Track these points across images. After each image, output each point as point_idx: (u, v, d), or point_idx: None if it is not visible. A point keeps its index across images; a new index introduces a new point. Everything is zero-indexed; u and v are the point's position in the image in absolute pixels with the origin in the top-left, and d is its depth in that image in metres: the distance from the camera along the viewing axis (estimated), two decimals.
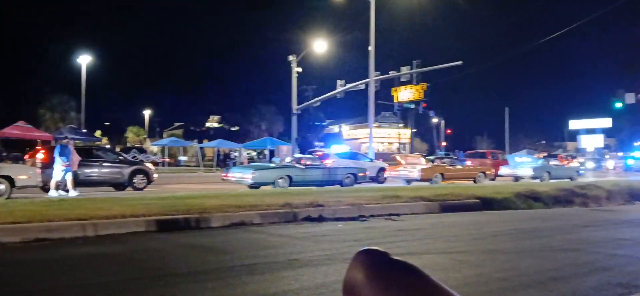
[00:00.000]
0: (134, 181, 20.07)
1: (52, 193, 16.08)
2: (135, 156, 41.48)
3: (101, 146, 45.03)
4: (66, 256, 7.19)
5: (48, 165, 18.52)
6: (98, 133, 69.18)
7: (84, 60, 51.27)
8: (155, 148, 63.03)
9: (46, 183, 18.40)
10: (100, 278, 5.98)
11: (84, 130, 47.54)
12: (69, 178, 16.70)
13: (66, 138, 18.80)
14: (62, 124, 57.92)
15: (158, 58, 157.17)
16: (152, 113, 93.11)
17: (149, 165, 22.29)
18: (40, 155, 18.76)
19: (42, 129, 48.31)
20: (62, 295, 5.38)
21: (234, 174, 21.88)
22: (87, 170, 19.31)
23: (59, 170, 16.61)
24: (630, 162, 56.26)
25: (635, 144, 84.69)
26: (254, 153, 58.17)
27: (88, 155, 20.20)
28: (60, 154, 16.74)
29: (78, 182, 18.83)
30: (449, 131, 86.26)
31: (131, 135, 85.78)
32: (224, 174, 22.83)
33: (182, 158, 60.73)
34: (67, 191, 16.43)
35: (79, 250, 7.63)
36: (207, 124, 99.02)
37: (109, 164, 20.13)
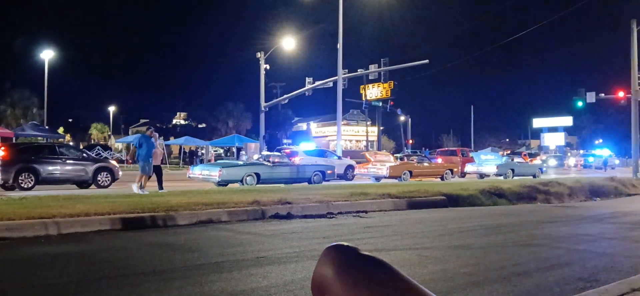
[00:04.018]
0: (98, 179, 19.70)
1: (134, 187, 15.40)
2: (99, 153, 40.73)
3: (64, 143, 44.12)
4: (28, 256, 7.01)
5: (9, 162, 18.03)
6: (61, 130, 67.77)
7: (47, 55, 50.10)
8: (119, 145, 61.98)
9: (6, 181, 17.94)
10: (63, 278, 5.84)
11: (47, 127, 46.50)
12: (145, 174, 15.84)
13: (149, 128, 17.25)
14: (24, 120, 56.53)
15: (123, 54, 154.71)
16: (117, 109, 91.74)
17: (114, 163, 21.89)
18: (0, 153, 18.25)
19: (3, 126, 47.04)
20: (23, 295, 5.24)
21: (201, 172, 21.65)
22: (50, 168, 18.88)
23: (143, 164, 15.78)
24: (590, 159, 57.69)
25: (597, 142, 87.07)
26: (221, 151, 57.74)
27: (51, 152, 19.75)
28: (139, 146, 15.89)
29: (40, 180, 18.39)
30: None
31: (95, 132, 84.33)
32: (190, 172, 22.54)
33: None
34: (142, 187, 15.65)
35: (41, 249, 7.44)
36: (174, 121, 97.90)
37: (72, 161, 19.71)
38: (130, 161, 15.80)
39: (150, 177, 16.17)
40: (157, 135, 17.15)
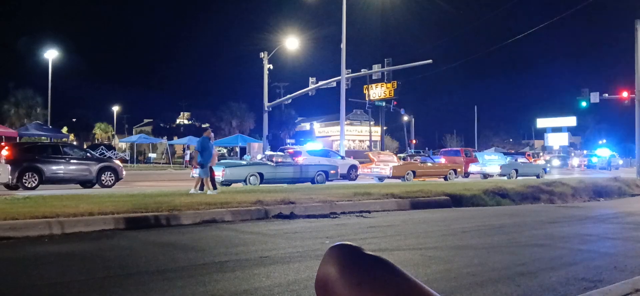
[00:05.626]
0: (102, 178, 19.75)
1: (207, 190, 14.79)
2: (103, 153, 40.81)
3: (68, 143, 44.20)
4: (31, 255, 7.03)
5: (13, 161, 18.06)
6: (65, 129, 67.86)
7: (51, 54, 50.17)
8: (123, 145, 62.12)
9: (10, 181, 17.97)
10: (67, 277, 5.86)
11: (51, 126, 46.59)
12: (205, 176, 15.16)
13: (207, 129, 16.49)
14: (28, 120, 56.72)
15: (127, 53, 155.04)
16: (121, 109, 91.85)
17: (118, 162, 21.93)
18: (4, 152, 18.30)
19: (7, 125, 47.15)
20: (27, 294, 5.26)
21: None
22: (54, 167, 18.92)
23: (201, 168, 15.15)
24: (594, 159, 57.45)
25: (600, 142, 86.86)
26: (224, 151, 57.79)
27: (55, 151, 19.80)
28: (201, 151, 15.32)
29: (44, 180, 18.42)
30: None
31: (99, 131, 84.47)
32: (193, 171, 22.50)
33: (152, 155, 59.96)
34: (202, 189, 14.98)
35: (45, 248, 7.46)
36: (177, 120, 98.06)
37: (76, 161, 19.75)
38: (196, 165, 15.15)
39: (204, 178, 15.48)
40: (213, 135, 16.79)
